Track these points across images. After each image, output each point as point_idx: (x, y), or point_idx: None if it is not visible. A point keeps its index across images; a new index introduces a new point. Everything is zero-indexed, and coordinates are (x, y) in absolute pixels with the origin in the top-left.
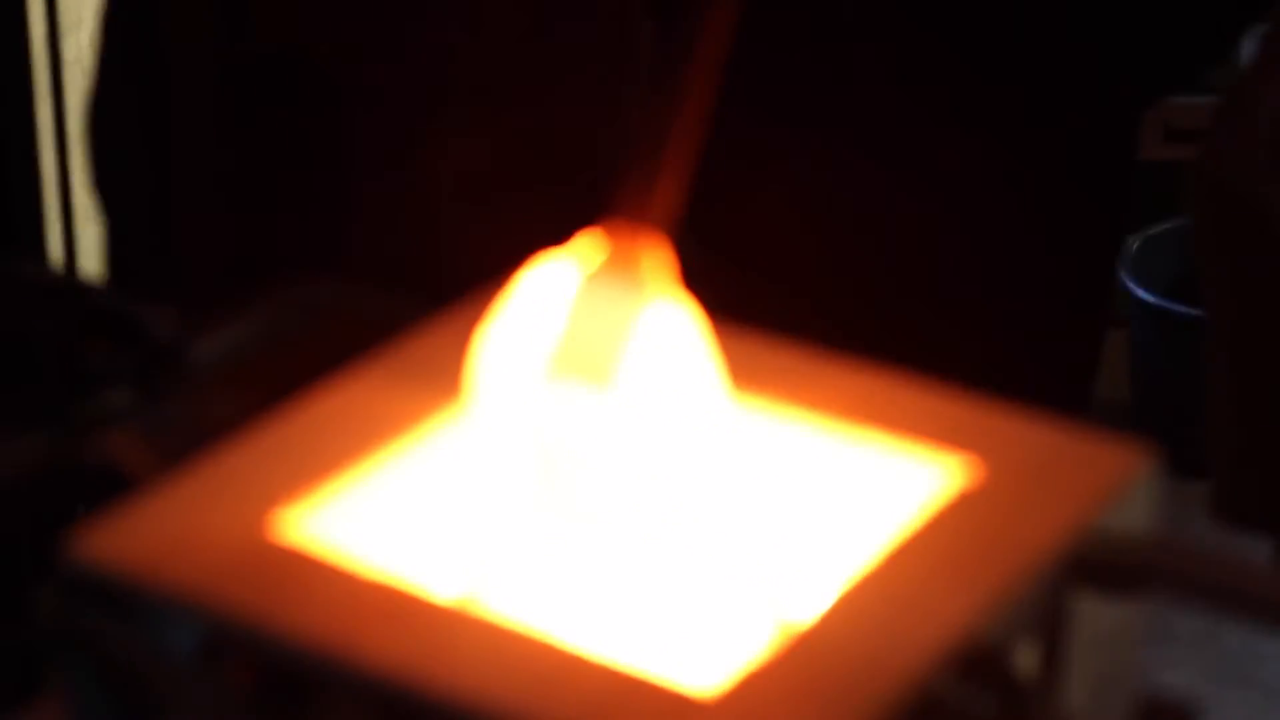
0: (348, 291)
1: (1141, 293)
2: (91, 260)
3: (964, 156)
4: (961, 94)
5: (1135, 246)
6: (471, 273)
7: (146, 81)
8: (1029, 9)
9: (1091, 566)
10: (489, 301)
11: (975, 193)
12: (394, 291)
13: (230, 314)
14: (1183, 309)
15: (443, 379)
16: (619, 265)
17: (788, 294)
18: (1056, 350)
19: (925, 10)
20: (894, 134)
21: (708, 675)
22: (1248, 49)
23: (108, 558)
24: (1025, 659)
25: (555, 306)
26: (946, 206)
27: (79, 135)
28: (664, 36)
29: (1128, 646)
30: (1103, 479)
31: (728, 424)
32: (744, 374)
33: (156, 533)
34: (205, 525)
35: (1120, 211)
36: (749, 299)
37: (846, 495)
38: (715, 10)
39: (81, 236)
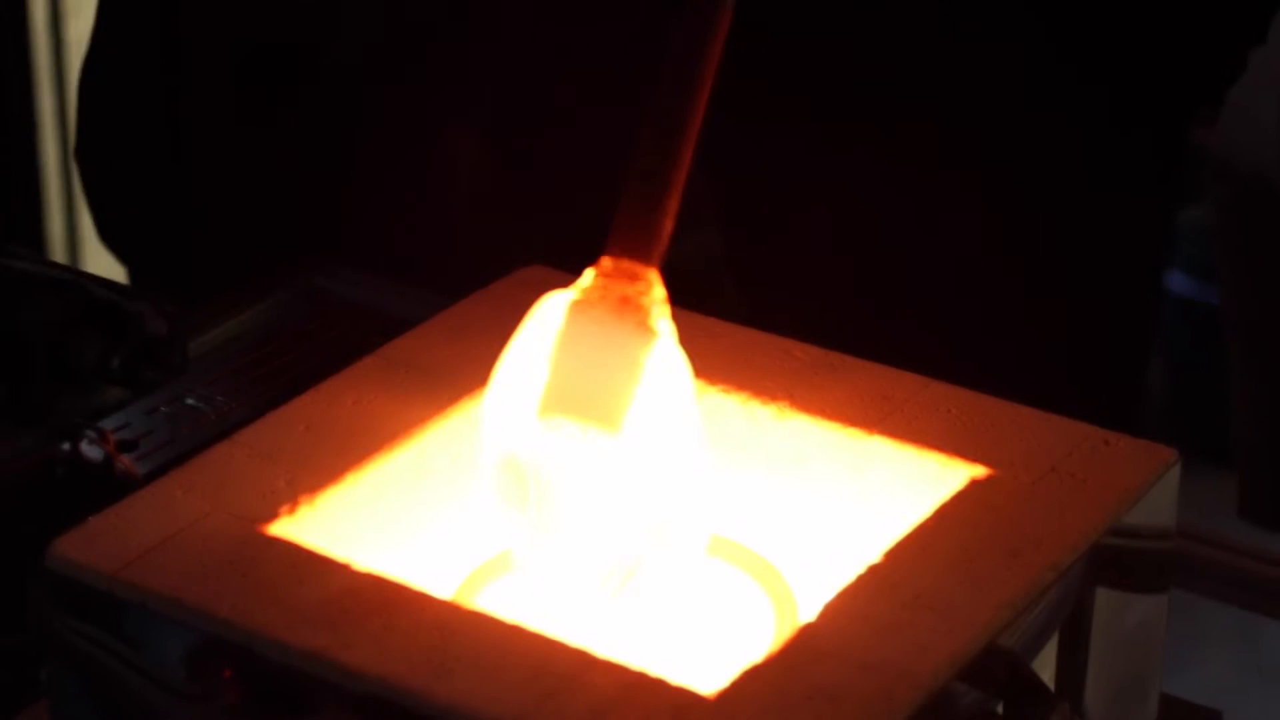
0: (348, 283)
1: (1172, 280)
2: (94, 249)
3: (1005, 167)
4: (1001, 106)
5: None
6: (479, 271)
7: (154, 70)
8: (1070, 20)
9: (1113, 563)
10: (488, 302)
11: (1017, 201)
12: (395, 285)
13: (227, 307)
14: (1213, 297)
15: (438, 380)
16: (613, 298)
17: (825, 299)
18: (1105, 355)
19: (961, 27)
20: (930, 141)
21: (711, 674)
22: None
23: (95, 562)
24: (1046, 660)
25: (551, 341)
26: (987, 214)
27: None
28: (656, 76)
29: (1149, 647)
30: (1124, 480)
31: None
32: (768, 373)
33: (144, 535)
34: (195, 527)
35: (1167, 214)
36: (784, 296)
37: (865, 496)
38: (701, 51)
39: (83, 225)
